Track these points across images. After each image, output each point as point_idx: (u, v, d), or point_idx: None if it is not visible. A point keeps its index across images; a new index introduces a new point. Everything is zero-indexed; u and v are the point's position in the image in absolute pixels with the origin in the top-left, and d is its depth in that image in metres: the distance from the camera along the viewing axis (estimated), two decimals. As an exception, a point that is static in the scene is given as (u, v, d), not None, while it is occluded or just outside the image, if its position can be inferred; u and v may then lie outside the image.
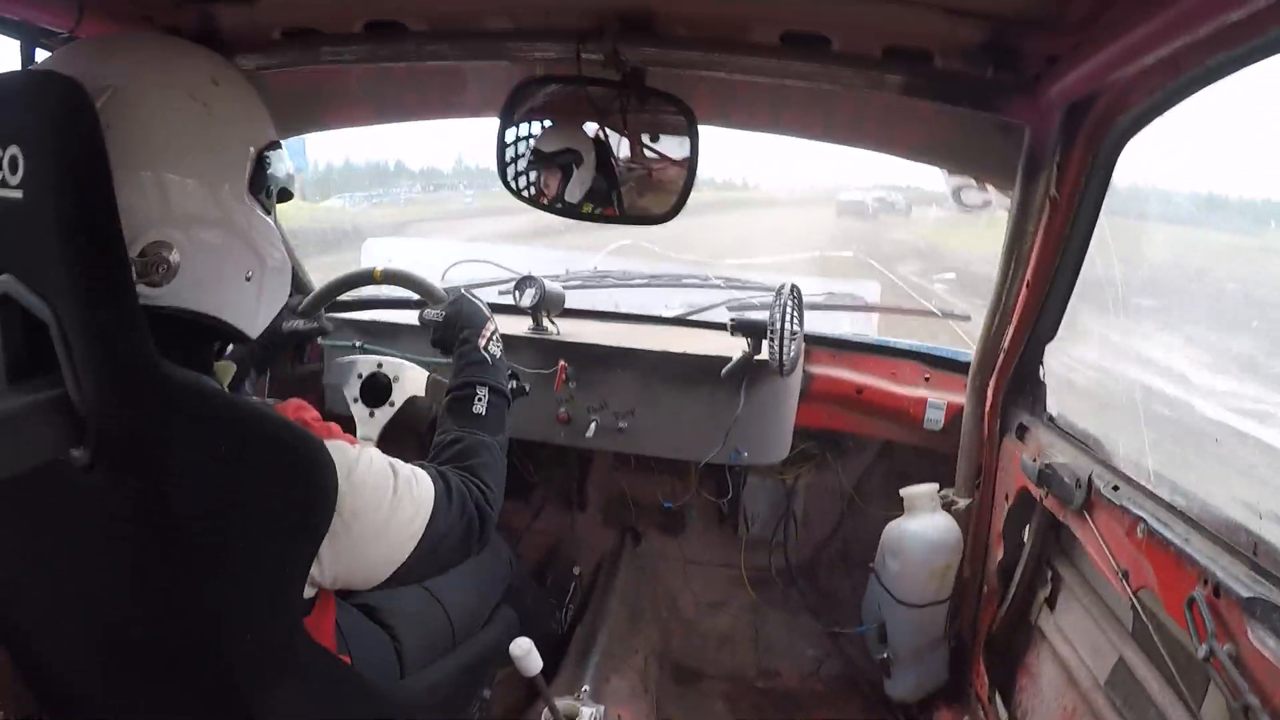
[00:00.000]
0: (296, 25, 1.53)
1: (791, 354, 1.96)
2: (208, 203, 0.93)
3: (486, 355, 1.37)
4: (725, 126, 1.85)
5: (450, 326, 1.47)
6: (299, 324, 1.66)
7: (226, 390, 1.00)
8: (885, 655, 2.10)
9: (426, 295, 1.66)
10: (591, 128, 1.60)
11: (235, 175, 0.96)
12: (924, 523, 1.97)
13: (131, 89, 0.87)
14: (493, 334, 1.44)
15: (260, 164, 1.00)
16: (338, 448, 0.98)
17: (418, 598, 1.51)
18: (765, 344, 1.98)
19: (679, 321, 2.67)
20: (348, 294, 1.77)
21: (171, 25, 1.47)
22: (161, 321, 0.87)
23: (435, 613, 1.53)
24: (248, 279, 0.99)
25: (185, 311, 0.92)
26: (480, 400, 1.28)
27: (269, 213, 1.04)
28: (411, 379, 1.76)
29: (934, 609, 2.02)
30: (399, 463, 1.08)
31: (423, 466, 1.13)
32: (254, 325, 1.03)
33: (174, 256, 0.89)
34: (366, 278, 1.76)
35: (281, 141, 1.06)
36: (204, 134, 0.93)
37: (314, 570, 0.97)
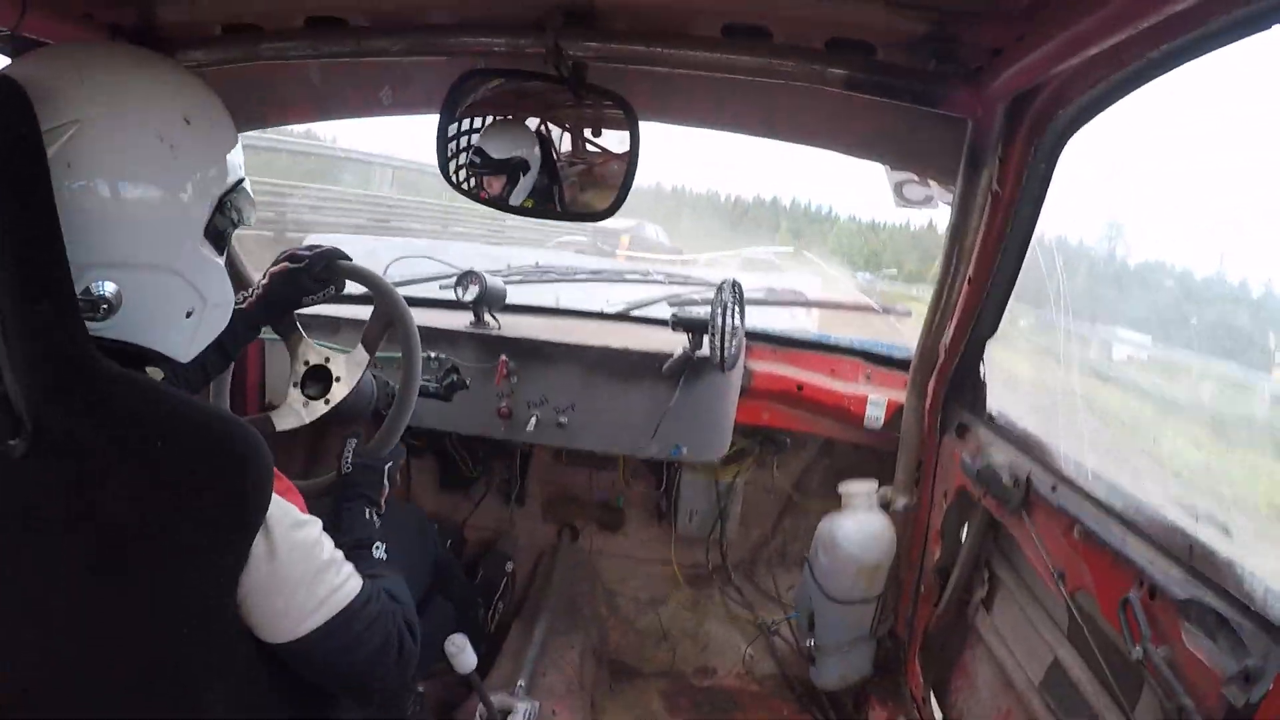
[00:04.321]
0: (237, 20, 1.52)
1: (732, 350, 1.96)
2: (158, 249, 0.95)
3: (374, 520, 1.41)
4: (667, 121, 1.82)
5: (365, 470, 1.47)
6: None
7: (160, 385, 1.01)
8: (811, 643, 2.12)
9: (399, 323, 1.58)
10: (533, 122, 1.60)
11: (190, 222, 0.99)
12: (858, 521, 1.97)
13: (99, 127, 0.89)
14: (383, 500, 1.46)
15: (220, 207, 1.02)
16: (287, 507, 1.00)
17: None
18: (706, 340, 1.97)
19: (620, 317, 2.66)
20: None
21: (112, 21, 1.46)
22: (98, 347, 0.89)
23: None
24: (188, 315, 1.03)
25: (125, 344, 0.95)
26: (379, 548, 1.33)
27: (222, 253, 1.06)
28: (352, 382, 1.70)
29: (861, 606, 2.04)
30: (341, 555, 1.10)
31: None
32: (186, 354, 1.06)
33: (114, 296, 0.91)
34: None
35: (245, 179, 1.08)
36: (164, 180, 0.94)
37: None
